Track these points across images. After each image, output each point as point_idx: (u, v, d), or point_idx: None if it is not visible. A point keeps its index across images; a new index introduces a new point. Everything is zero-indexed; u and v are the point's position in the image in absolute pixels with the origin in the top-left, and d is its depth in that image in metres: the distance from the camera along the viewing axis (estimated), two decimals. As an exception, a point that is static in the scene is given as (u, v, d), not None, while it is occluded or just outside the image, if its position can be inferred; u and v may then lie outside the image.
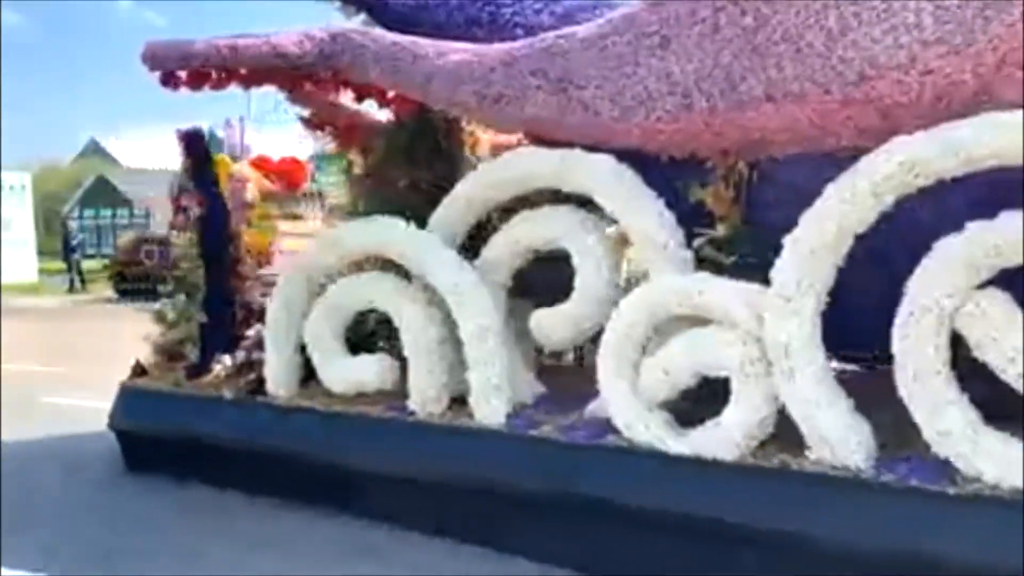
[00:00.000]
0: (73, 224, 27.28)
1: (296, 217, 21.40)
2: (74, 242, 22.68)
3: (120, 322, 14.85)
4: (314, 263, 4.96)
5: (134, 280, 19.17)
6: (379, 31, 4.79)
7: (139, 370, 5.76)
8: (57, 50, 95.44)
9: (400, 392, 4.46)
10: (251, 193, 22.99)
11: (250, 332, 5.41)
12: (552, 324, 4.20)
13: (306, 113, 6.48)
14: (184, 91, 4.90)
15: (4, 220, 23.99)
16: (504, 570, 3.80)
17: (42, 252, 25.86)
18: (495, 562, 3.85)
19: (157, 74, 4.88)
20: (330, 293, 4.77)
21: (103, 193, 37.57)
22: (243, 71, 4.92)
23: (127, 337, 6.44)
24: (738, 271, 3.73)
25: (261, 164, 24.50)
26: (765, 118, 3.45)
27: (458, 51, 4.25)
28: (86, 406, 7.45)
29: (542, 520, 3.82)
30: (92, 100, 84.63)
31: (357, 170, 6.35)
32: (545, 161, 4.18)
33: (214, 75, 4.89)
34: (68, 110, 77.34)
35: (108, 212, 36.50)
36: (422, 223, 4.55)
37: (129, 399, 5.57)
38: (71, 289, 21.67)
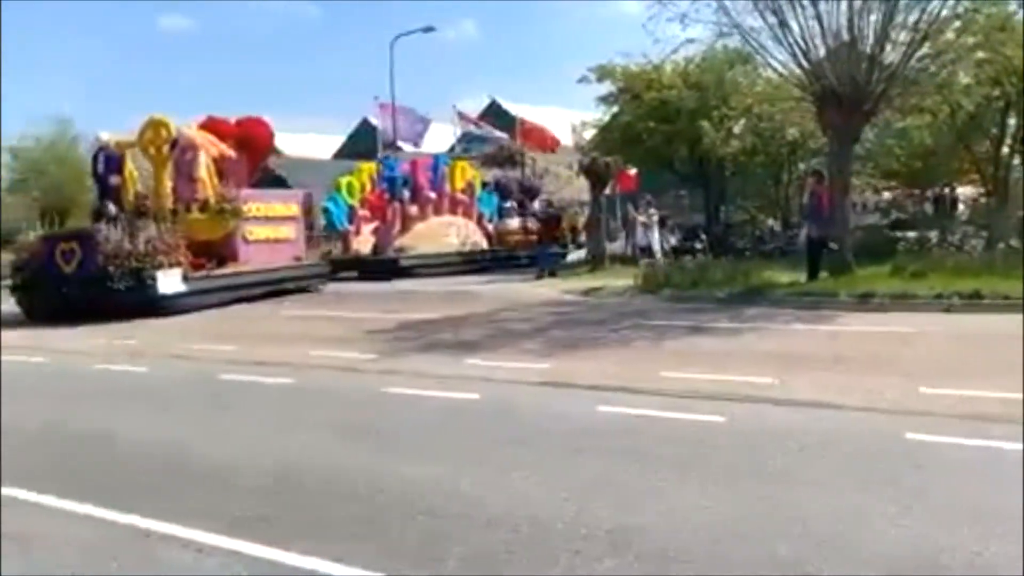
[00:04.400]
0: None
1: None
2: None
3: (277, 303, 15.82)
4: None
5: (46, 290, 14.27)
6: None
7: None
8: (220, 49, 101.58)
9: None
10: (203, 167, 16.51)
11: None
12: None
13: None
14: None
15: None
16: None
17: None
18: None
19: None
20: None
21: (264, 182, 39.78)
22: None
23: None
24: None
25: (214, 126, 17.67)
26: None
27: None
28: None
29: None
30: (252, 93, 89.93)
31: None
32: None
33: None
34: (234, 104, 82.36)
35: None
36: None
37: None
38: None
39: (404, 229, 22.97)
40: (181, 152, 16.20)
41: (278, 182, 39.02)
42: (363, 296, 17.28)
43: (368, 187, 23.25)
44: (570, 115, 28.32)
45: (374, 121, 34.96)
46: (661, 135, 23.68)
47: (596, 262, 21.41)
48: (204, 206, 16.10)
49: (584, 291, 15.91)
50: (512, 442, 5.69)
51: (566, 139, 29.10)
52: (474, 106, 44.59)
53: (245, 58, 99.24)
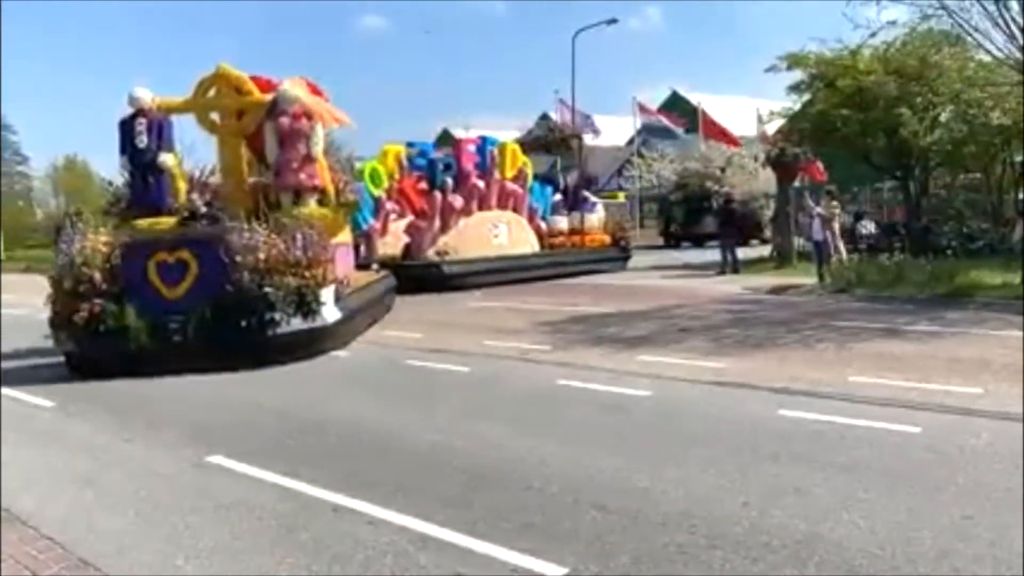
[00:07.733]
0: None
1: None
2: None
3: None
4: None
5: (130, 328, 8.67)
6: None
7: None
8: (412, 48, 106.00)
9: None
10: (320, 139, 11.33)
11: None
12: None
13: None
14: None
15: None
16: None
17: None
18: None
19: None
20: None
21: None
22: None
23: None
24: None
25: (261, 89, 11.56)
26: None
27: None
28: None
29: None
30: (443, 92, 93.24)
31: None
32: None
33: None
34: (425, 103, 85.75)
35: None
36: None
37: None
38: None
39: (445, 226, 17.93)
40: (292, 120, 11.21)
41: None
42: (536, 289, 17.47)
43: (396, 173, 18.44)
44: (755, 104, 27.18)
45: (553, 115, 35.36)
46: (857, 124, 22.26)
47: (782, 258, 20.52)
48: (323, 196, 11.57)
49: (768, 289, 15.32)
50: (687, 442, 5.58)
51: (751, 129, 28.05)
52: (656, 96, 44.02)
53: (433, 55, 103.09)
